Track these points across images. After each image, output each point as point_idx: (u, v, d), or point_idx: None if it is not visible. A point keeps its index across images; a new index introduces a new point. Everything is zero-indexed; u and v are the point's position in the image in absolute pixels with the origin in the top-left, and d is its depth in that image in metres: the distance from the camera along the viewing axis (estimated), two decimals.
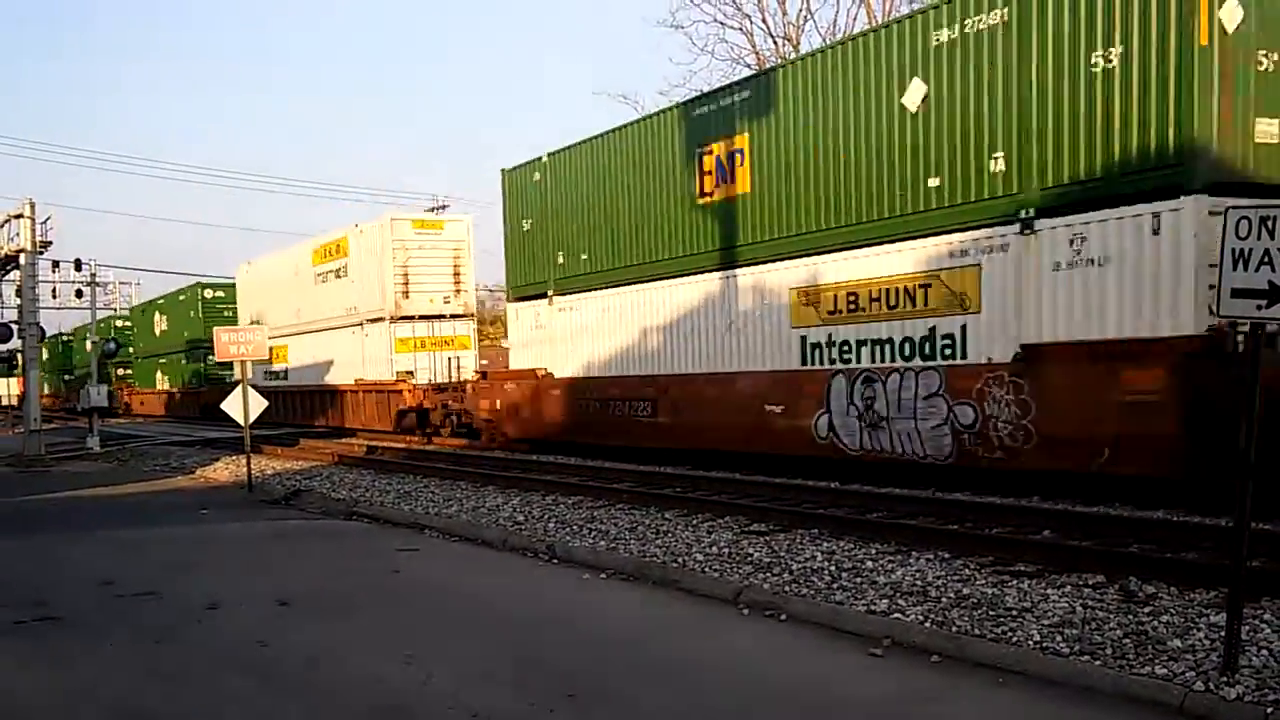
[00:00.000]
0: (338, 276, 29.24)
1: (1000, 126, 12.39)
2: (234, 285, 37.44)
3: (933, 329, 13.34)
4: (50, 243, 26.66)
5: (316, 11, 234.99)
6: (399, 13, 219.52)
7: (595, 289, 19.57)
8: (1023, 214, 12.15)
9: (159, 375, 47.20)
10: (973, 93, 12.67)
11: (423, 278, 26.96)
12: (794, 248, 15.26)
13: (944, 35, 12.96)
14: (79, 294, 33.27)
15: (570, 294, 20.30)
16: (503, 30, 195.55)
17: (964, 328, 12.97)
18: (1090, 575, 8.17)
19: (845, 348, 14.58)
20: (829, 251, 14.67)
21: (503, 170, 22.40)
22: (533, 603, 8.66)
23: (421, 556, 10.85)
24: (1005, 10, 12.27)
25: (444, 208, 46.38)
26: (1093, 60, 11.46)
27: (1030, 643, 6.59)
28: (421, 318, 27.00)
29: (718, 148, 16.58)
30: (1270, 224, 5.66)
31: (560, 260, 20.54)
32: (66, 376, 62.64)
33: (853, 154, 14.30)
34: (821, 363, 14.89)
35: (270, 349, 22.66)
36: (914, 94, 13.37)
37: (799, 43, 34.71)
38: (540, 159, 21.09)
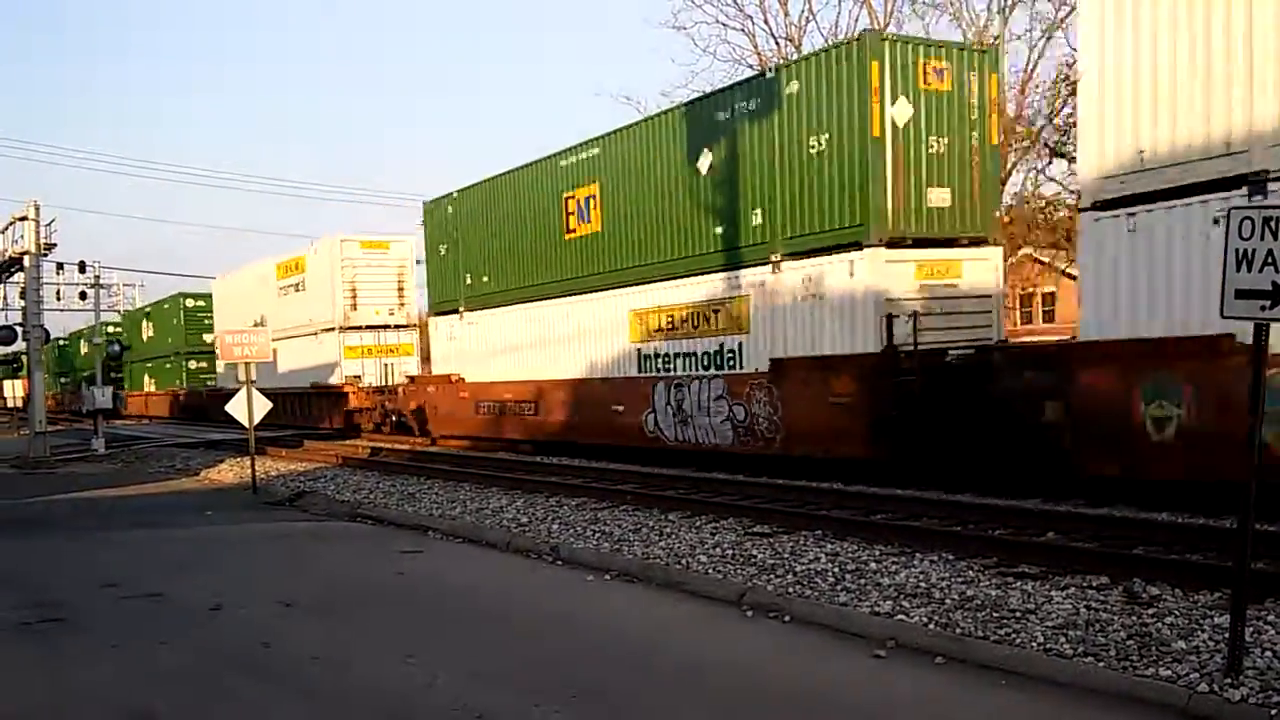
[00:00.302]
0: (297, 290, 32.29)
1: (757, 190, 15.96)
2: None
3: (721, 345, 16.97)
4: (54, 245, 26.75)
5: (319, 12, 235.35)
6: (396, 19, 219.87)
7: (494, 307, 23.02)
8: (773, 258, 15.75)
9: (146, 379, 50.20)
10: (739, 163, 16.25)
11: (369, 292, 30.04)
12: (631, 279, 18.76)
13: (721, 115, 16.56)
14: (83, 296, 33.39)
15: (476, 310, 23.79)
16: (501, 29, 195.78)
17: (740, 345, 16.57)
18: (1094, 577, 8.17)
19: (665, 360, 18.18)
20: (653, 282, 18.23)
21: (424, 203, 25.66)
22: (537, 604, 8.66)
23: (426, 558, 10.86)
24: (756, 100, 15.92)
25: None
26: (810, 144, 15.00)
27: (1034, 644, 6.58)
28: (368, 327, 30.16)
29: (579, 193, 20.09)
30: (1273, 224, 5.65)
31: (468, 281, 23.93)
32: (63, 379, 62.79)
33: (667, 205, 17.82)
34: (649, 371, 18.51)
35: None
36: (704, 161, 16.96)
37: (801, 43, 34.72)
38: (452, 194, 24.36)
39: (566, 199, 20.33)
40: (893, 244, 14.29)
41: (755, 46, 35.24)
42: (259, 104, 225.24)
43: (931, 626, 7.07)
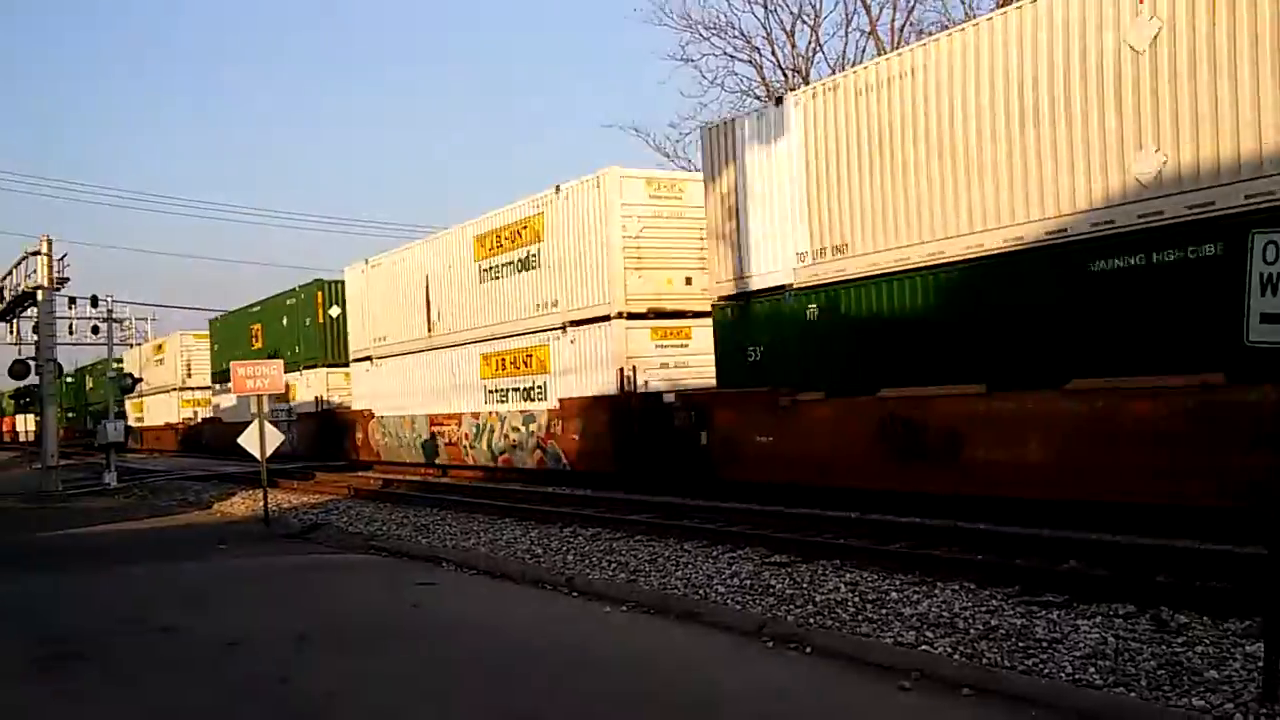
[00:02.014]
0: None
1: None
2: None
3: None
4: (67, 279, 26.88)
5: (326, 49, 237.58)
6: (398, 48, 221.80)
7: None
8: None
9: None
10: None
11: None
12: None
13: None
14: (95, 330, 33.38)
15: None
16: (506, 59, 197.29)
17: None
18: (1120, 605, 8.05)
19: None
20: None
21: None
22: (553, 637, 8.56)
23: (440, 590, 10.77)
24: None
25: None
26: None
27: (1063, 674, 6.48)
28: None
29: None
30: None
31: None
32: (70, 414, 63.05)
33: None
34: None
35: None
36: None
37: (809, 74, 34.89)
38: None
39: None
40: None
41: (763, 78, 35.50)
42: (244, 136, 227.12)
43: (957, 657, 6.97)
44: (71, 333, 32.22)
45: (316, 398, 32.88)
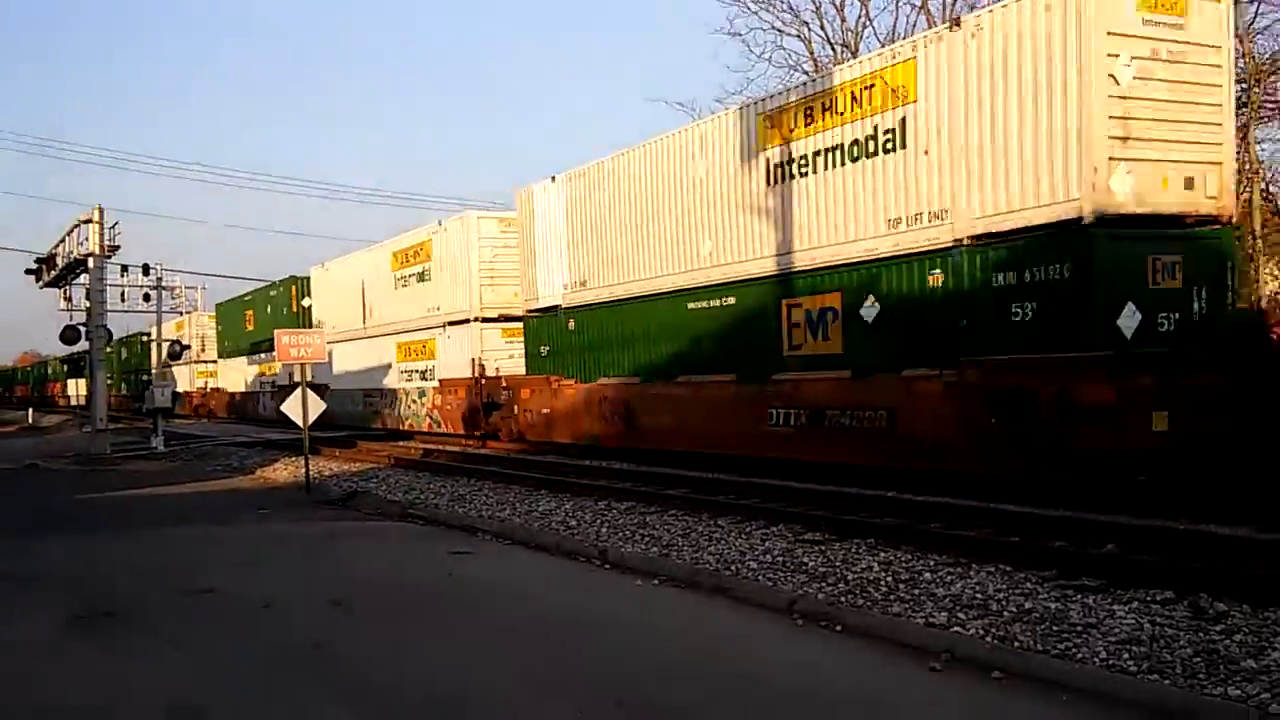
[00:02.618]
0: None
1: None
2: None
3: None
4: (118, 247, 27.26)
5: (384, 26, 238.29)
6: (441, 30, 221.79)
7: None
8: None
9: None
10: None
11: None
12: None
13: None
14: (146, 298, 33.92)
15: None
16: (548, 38, 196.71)
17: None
18: (1157, 591, 7.92)
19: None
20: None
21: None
22: (586, 608, 8.60)
23: (475, 559, 10.85)
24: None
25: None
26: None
27: (1096, 660, 6.40)
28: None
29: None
30: None
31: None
32: (124, 379, 64.75)
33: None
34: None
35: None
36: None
37: (857, 48, 34.40)
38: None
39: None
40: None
41: (811, 52, 35.00)
42: (308, 109, 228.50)
43: (989, 640, 6.90)
44: (123, 300, 32.78)
45: (289, 374, 35.77)
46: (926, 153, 13.75)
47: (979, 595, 8.11)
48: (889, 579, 8.83)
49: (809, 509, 12.59)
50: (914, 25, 32.78)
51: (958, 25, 13.48)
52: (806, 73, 33.83)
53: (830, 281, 15.34)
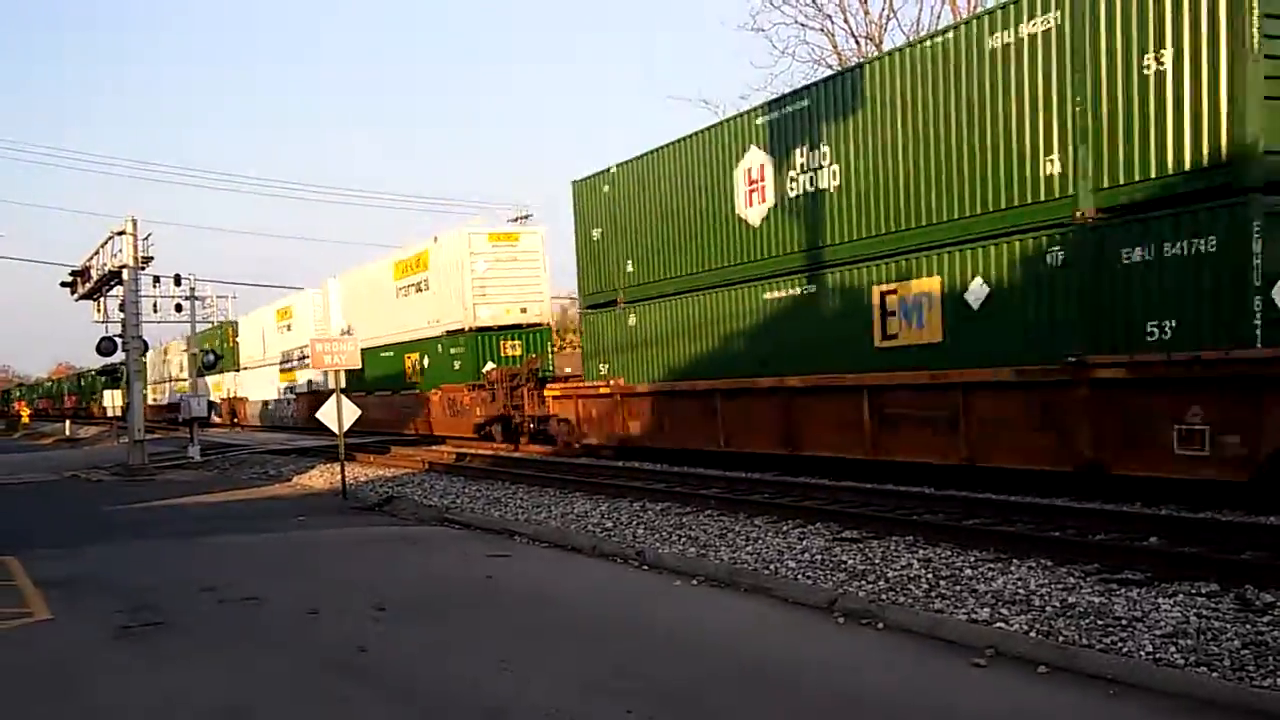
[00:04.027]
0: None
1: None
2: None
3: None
4: (151, 258, 27.61)
5: (411, 30, 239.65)
6: (461, 32, 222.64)
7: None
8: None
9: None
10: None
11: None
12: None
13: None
14: (178, 308, 34.29)
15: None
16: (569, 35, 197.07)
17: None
18: (1203, 583, 7.86)
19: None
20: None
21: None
22: (625, 609, 8.63)
23: (513, 562, 10.91)
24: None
25: (527, 217, 47.14)
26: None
27: (1142, 653, 6.35)
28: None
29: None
30: None
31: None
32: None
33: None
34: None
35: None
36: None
37: (881, 41, 34.26)
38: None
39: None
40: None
41: (835, 46, 34.88)
42: (347, 118, 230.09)
43: (1033, 635, 6.86)
44: (155, 310, 33.14)
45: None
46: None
47: (1021, 590, 8.07)
48: (929, 576, 8.79)
49: (846, 507, 12.57)
50: (939, 16, 32.62)
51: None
52: (831, 67, 33.72)
53: None
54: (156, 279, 32.52)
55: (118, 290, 27.80)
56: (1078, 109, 12.27)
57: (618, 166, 21.39)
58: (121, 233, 26.68)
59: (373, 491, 18.47)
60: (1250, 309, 10.81)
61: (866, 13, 34.53)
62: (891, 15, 34.01)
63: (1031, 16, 12.70)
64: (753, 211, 17.58)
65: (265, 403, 47.85)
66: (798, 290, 16.71)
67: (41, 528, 15.95)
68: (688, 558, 10.31)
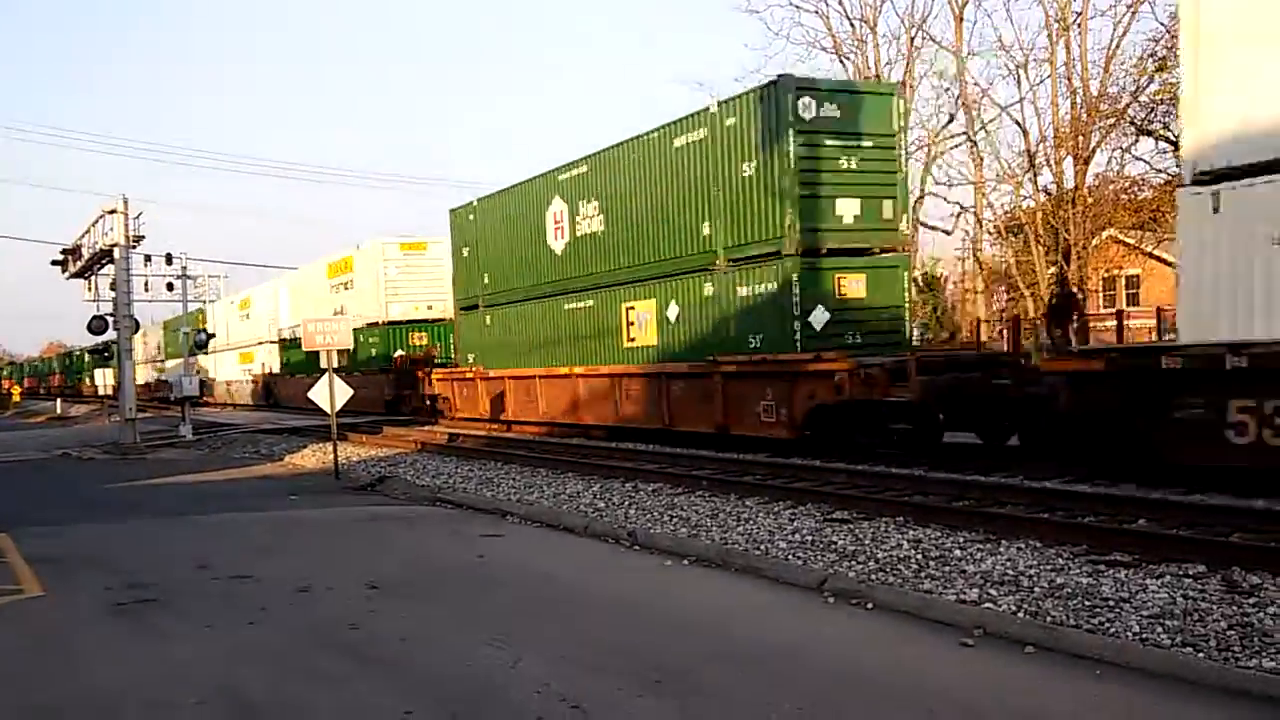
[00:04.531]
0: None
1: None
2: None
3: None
4: (143, 237, 27.43)
5: (403, 10, 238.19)
6: (460, 10, 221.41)
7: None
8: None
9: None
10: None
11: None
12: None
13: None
14: (170, 287, 34.12)
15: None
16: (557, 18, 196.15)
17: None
18: (1190, 565, 7.94)
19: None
20: None
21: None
22: (616, 588, 8.68)
23: (505, 542, 10.95)
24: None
25: None
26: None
27: (1129, 634, 6.43)
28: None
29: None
30: None
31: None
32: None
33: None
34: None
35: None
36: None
37: (875, 24, 34.23)
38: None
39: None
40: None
41: (830, 29, 34.86)
42: (326, 95, 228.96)
43: (1021, 615, 6.94)
44: (147, 289, 32.97)
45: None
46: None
47: (1010, 571, 8.14)
48: (919, 556, 8.86)
49: (838, 488, 12.65)
50: (932, 1, 32.52)
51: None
52: (825, 49, 33.68)
53: None
54: (148, 258, 32.39)
55: (109, 269, 27.69)
56: (715, 193, 18.28)
57: (478, 200, 26.98)
58: (113, 211, 26.52)
59: (365, 471, 18.50)
60: (792, 329, 16.90)
61: None
62: None
63: (692, 130, 18.74)
64: (558, 244, 23.40)
65: (228, 382, 53.74)
66: (582, 304, 22.59)
67: (34, 505, 15.94)
68: (679, 538, 10.37)
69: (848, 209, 17.28)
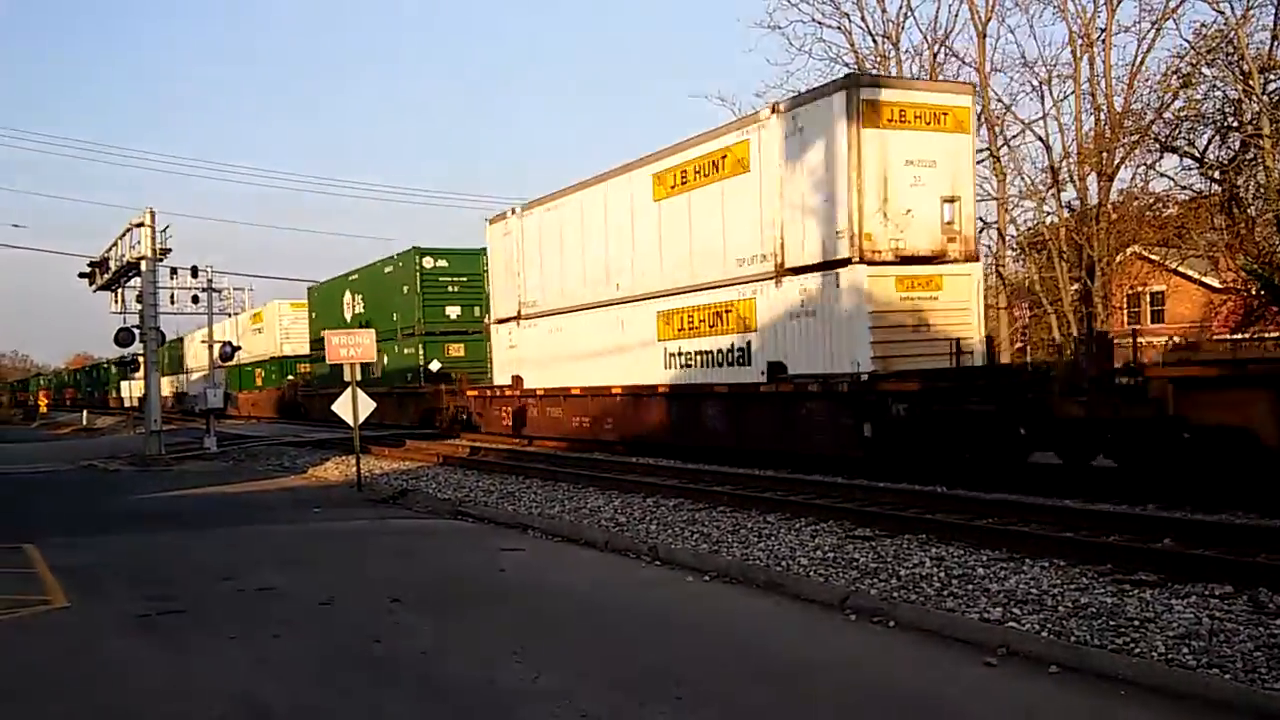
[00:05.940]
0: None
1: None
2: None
3: None
4: (169, 250, 27.71)
5: (427, 24, 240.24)
6: (482, 28, 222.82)
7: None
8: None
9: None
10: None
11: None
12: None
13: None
14: (195, 299, 34.43)
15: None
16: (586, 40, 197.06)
17: None
18: (1216, 585, 7.86)
19: None
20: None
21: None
22: (639, 604, 8.68)
23: (526, 556, 10.97)
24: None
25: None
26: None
27: (1154, 654, 6.36)
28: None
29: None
30: None
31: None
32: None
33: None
34: None
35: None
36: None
37: (899, 40, 34.20)
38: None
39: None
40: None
41: (852, 44, 34.83)
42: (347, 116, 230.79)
43: (1045, 634, 6.88)
44: (173, 302, 33.26)
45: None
46: None
47: (1033, 590, 8.08)
48: (941, 574, 8.81)
49: (860, 505, 12.60)
50: (955, 14, 32.47)
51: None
52: (847, 65, 33.67)
53: None
54: (174, 271, 32.68)
55: (135, 282, 27.96)
56: None
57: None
58: (140, 224, 26.83)
59: (387, 484, 18.57)
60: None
61: (884, 10, 34.44)
62: (909, 13, 33.99)
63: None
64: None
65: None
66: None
67: (60, 516, 16.09)
68: (700, 554, 10.35)
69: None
